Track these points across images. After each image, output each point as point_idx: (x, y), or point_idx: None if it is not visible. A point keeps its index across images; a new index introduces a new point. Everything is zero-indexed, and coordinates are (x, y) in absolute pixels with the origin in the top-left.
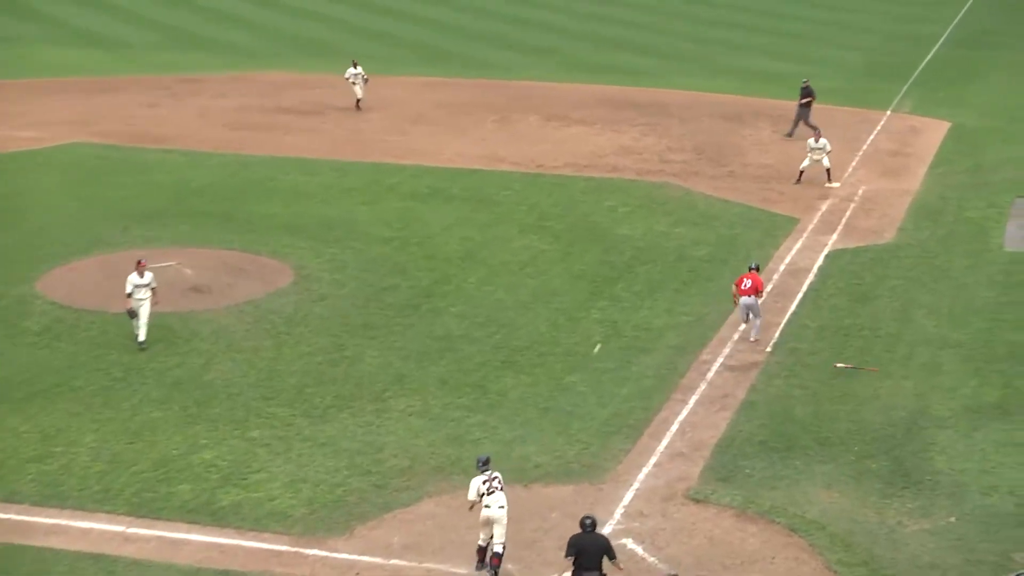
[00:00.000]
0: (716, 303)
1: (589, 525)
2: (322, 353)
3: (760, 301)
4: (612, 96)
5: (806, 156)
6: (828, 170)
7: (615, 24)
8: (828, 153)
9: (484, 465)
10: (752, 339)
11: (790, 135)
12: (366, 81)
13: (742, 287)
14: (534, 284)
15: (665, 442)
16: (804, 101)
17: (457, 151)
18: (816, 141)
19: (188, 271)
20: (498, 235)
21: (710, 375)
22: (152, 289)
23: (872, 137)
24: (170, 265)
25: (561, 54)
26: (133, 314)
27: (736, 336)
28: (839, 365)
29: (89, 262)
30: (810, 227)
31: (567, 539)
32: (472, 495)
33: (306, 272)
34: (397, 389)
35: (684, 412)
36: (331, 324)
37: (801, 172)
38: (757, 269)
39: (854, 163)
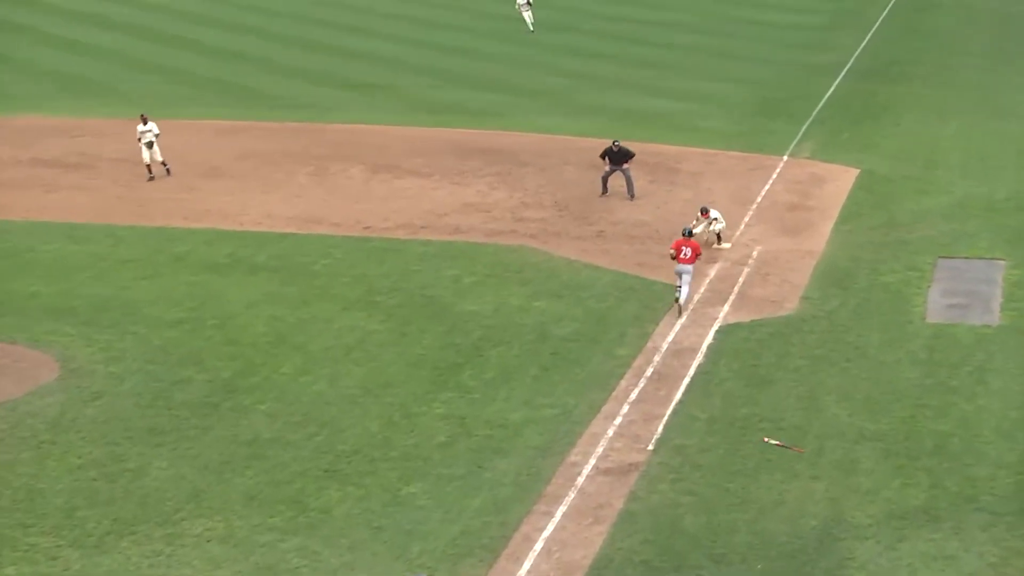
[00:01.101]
0: (585, 391)
1: None
2: (96, 466)
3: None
4: (453, 141)
5: (694, 221)
6: (718, 234)
7: (457, 54)
8: (717, 220)
9: None
10: (681, 302)
11: (630, 197)
12: (150, 145)
13: (682, 255)
14: (362, 373)
15: (527, 565)
16: (616, 165)
17: (263, 211)
18: (705, 216)
19: None
20: (316, 314)
21: (580, 481)
22: None
23: (767, 187)
24: None
25: (390, 90)
26: None
27: (611, 432)
28: (768, 440)
29: None
30: (696, 297)
31: None
32: None
33: (75, 365)
34: (192, 509)
35: (550, 527)
36: (108, 429)
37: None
38: (691, 234)
39: (747, 219)
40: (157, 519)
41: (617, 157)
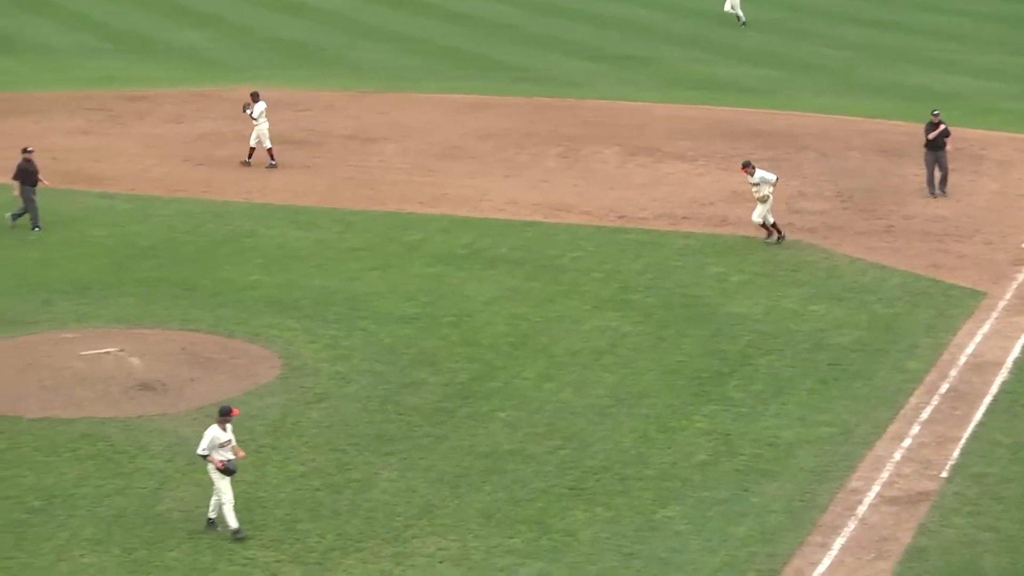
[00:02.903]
0: (869, 409)
1: None
2: (320, 475)
3: None
4: (722, 121)
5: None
6: (766, 225)
7: (724, 23)
8: (767, 189)
9: None
10: None
11: (942, 192)
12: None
13: None
14: (613, 381)
15: None
16: (934, 140)
17: (506, 197)
18: (752, 175)
19: (134, 360)
20: (563, 313)
21: (862, 510)
22: (233, 447)
23: None
24: (109, 352)
25: (653, 64)
26: (230, 471)
27: (898, 455)
28: None
29: None
30: (1002, 304)
31: None
32: None
33: (298, 363)
34: (424, 525)
35: (826, 561)
36: (332, 435)
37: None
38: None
39: None
40: (385, 536)
41: (939, 135)
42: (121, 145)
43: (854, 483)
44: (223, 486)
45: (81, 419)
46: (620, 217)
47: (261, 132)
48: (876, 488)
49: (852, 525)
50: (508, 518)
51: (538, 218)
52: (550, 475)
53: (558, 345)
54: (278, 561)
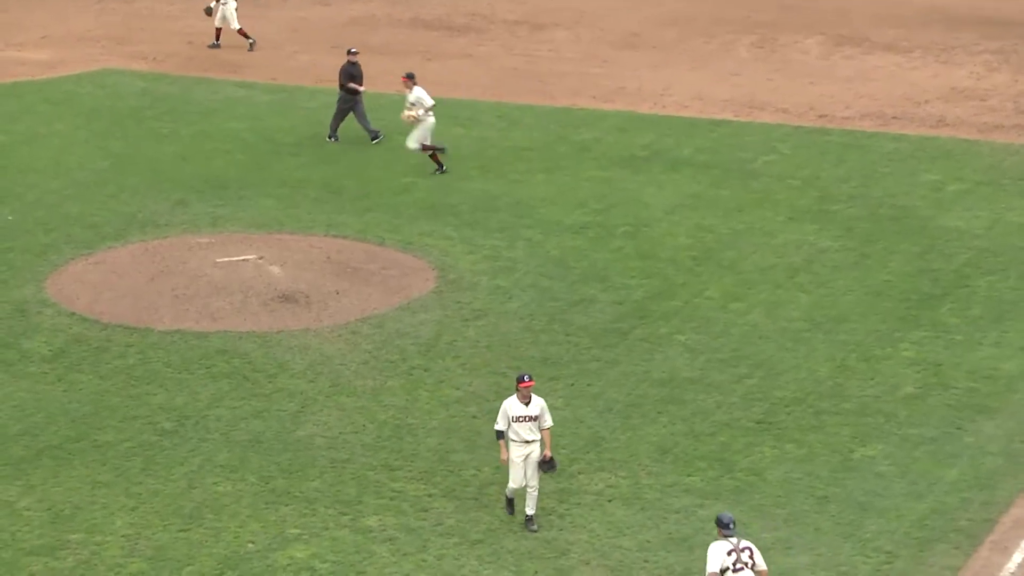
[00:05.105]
0: None
1: None
2: (477, 400)
3: None
4: (940, 6)
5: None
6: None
7: None
8: (420, 111)
9: (727, 528)
10: None
11: None
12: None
13: None
14: (809, 302)
15: (1018, 558)
16: None
17: (691, 92)
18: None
19: (275, 269)
20: (753, 224)
21: None
22: (543, 428)
23: None
24: (247, 260)
25: None
26: (548, 467)
27: None
28: None
29: (124, 252)
30: None
31: None
32: (712, 567)
33: (454, 275)
34: (592, 460)
35: None
36: (491, 356)
37: None
38: None
39: None
40: None
41: None
42: (262, 29)
43: None
44: (513, 470)
45: (216, 333)
46: (821, 116)
47: (228, 12)
48: None
49: None
50: (686, 454)
51: (727, 116)
52: (735, 407)
53: (747, 261)
54: (429, 495)
